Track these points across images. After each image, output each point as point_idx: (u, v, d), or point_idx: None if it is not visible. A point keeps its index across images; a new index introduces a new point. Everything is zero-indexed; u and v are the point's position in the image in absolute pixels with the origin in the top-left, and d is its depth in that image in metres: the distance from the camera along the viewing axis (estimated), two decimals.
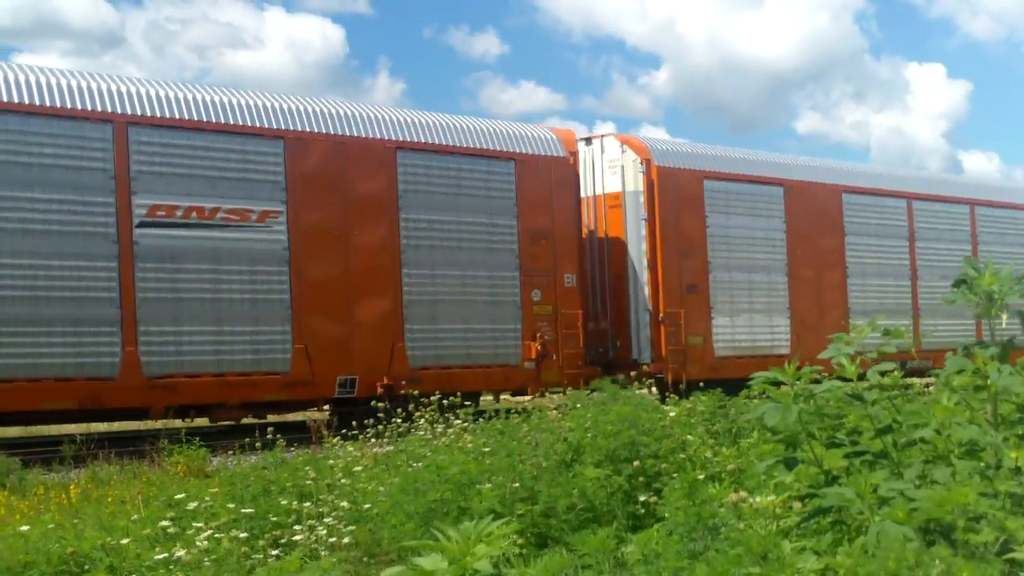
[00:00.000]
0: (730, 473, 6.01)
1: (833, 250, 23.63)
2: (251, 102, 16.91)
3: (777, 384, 4.54)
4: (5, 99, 14.55)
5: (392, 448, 9.62)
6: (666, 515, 5.25)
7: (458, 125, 19.07)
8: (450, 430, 9.84)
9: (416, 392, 11.66)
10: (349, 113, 17.89)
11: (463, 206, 18.56)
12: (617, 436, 6.91)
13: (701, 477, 5.73)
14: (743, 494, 4.30)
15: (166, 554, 5.71)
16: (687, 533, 4.45)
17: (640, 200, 20.85)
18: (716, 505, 4.66)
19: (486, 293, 18.72)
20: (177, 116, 15.93)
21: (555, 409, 9.75)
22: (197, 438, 12.25)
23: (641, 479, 6.61)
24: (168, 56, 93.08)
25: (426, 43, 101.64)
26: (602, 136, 21.78)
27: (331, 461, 8.50)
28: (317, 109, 17.54)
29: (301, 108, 17.32)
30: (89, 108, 15.18)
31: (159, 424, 16.53)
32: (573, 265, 19.77)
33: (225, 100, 16.64)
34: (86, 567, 5.87)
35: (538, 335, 18.98)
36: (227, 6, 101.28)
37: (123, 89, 15.77)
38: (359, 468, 8.23)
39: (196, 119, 16.08)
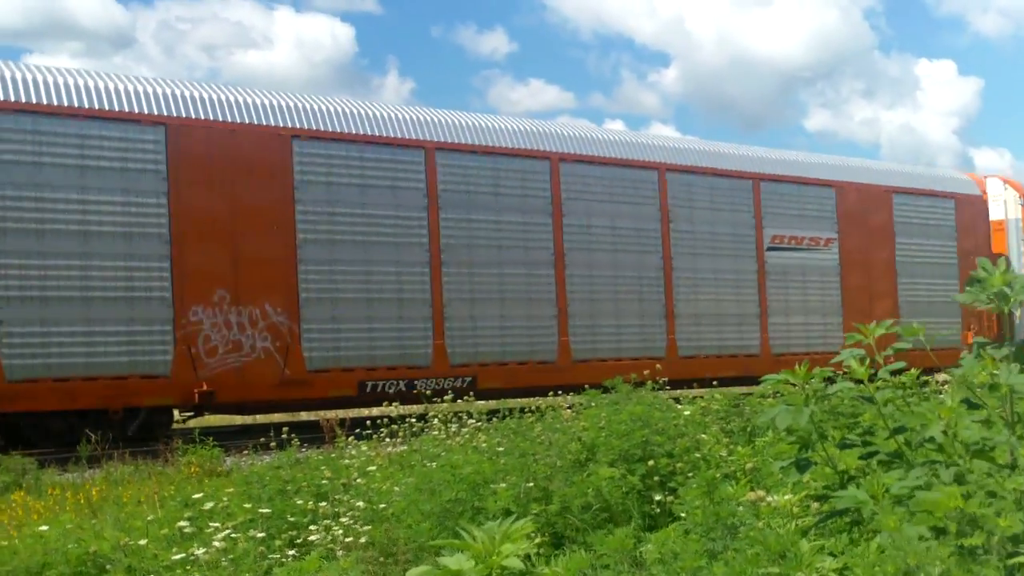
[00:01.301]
0: (747, 472, 6.02)
1: None
2: (812, 159, 24.44)
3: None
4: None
5: (406, 448, 9.65)
6: (682, 514, 5.27)
7: (922, 173, 26.93)
8: (464, 430, 9.87)
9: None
10: (860, 166, 25.51)
11: (928, 233, 25.95)
12: (630, 436, 6.92)
13: (718, 476, 5.74)
14: (761, 493, 4.31)
15: (184, 554, 5.74)
16: (705, 532, 4.47)
17: (1019, 225, 27.92)
18: (734, 504, 4.67)
19: (942, 295, 25.75)
20: (786, 173, 23.30)
21: (569, 408, 9.77)
22: (211, 438, 12.29)
23: (655, 478, 6.63)
24: (178, 56, 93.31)
25: (434, 42, 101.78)
26: (986, 177, 28.63)
27: (346, 461, 8.53)
28: (853, 164, 25.33)
29: (845, 164, 25.08)
30: (735, 170, 22.43)
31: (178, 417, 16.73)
32: None
33: (805, 159, 24.31)
34: (106, 567, 5.91)
35: (971, 326, 26.32)
36: (236, 5, 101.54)
37: (757, 155, 23.47)
38: (373, 468, 8.25)
39: (794, 175, 23.47)
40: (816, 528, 4.11)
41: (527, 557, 3.31)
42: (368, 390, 17.26)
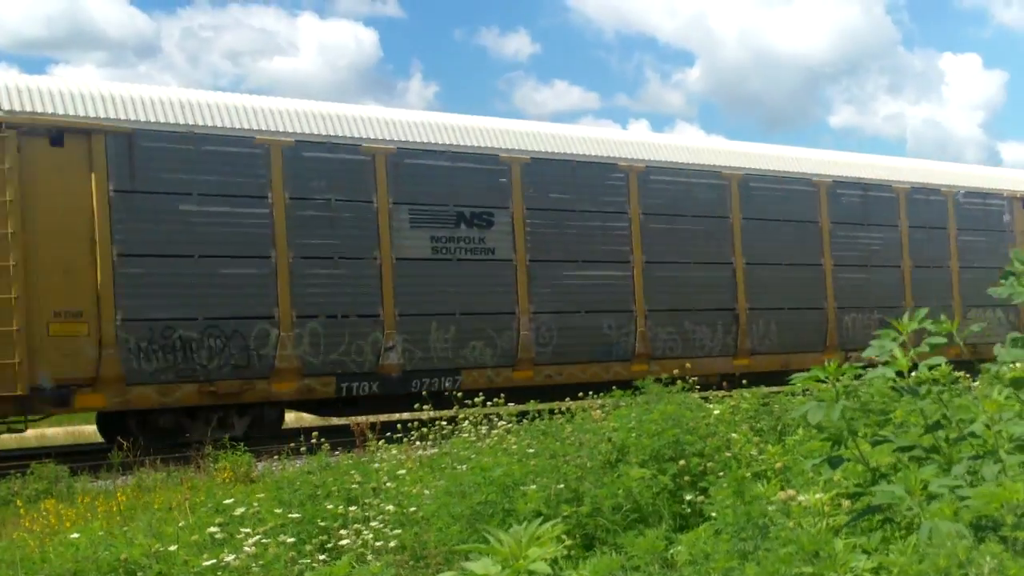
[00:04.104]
0: (777, 471, 5.96)
1: None
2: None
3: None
4: None
5: (436, 451, 9.64)
6: (713, 514, 5.22)
7: None
8: (494, 432, 9.85)
9: None
10: None
11: None
12: (661, 435, 6.88)
13: (748, 475, 5.68)
14: (791, 492, 4.26)
15: (215, 560, 5.74)
16: (736, 532, 4.42)
17: None
18: (764, 503, 4.62)
19: None
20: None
21: (599, 409, 9.73)
22: (242, 444, 12.33)
23: (686, 478, 6.58)
24: (203, 64, 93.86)
25: (457, 45, 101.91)
26: None
27: (376, 465, 8.52)
28: None
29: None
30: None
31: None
32: None
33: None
34: (137, 574, 5.92)
35: None
36: (260, 12, 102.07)
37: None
38: (403, 471, 8.24)
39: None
40: (848, 527, 4.06)
41: (555, 561, 3.28)
42: None
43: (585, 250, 20.24)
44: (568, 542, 5.38)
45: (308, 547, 6.19)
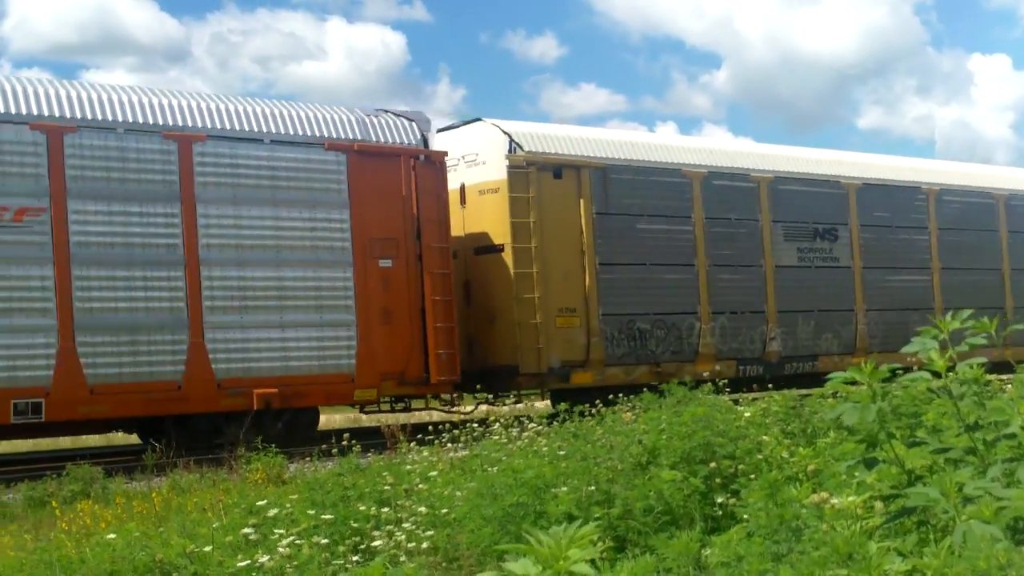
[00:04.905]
0: (809, 474, 5.95)
1: None
2: None
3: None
4: None
5: (467, 453, 9.67)
6: (744, 516, 5.22)
7: None
8: (524, 434, 9.87)
9: None
10: None
11: None
12: (692, 437, 6.88)
13: (780, 478, 5.67)
14: (824, 495, 4.26)
15: (249, 561, 5.79)
16: (769, 535, 4.42)
17: None
18: (797, 506, 4.62)
19: None
20: None
21: (629, 411, 9.73)
22: (273, 445, 12.40)
23: (717, 480, 6.58)
24: (232, 68, 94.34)
25: (484, 48, 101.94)
26: None
27: (408, 466, 8.56)
28: None
29: None
30: None
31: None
32: None
33: None
34: (172, 574, 5.98)
35: None
36: (288, 17, 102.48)
37: None
38: (435, 473, 8.27)
39: None
40: (882, 529, 4.05)
41: (592, 562, 3.29)
42: None
43: (899, 258, 24.93)
44: (600, 546, 5.40)
45: (341, 548, 6.23)
